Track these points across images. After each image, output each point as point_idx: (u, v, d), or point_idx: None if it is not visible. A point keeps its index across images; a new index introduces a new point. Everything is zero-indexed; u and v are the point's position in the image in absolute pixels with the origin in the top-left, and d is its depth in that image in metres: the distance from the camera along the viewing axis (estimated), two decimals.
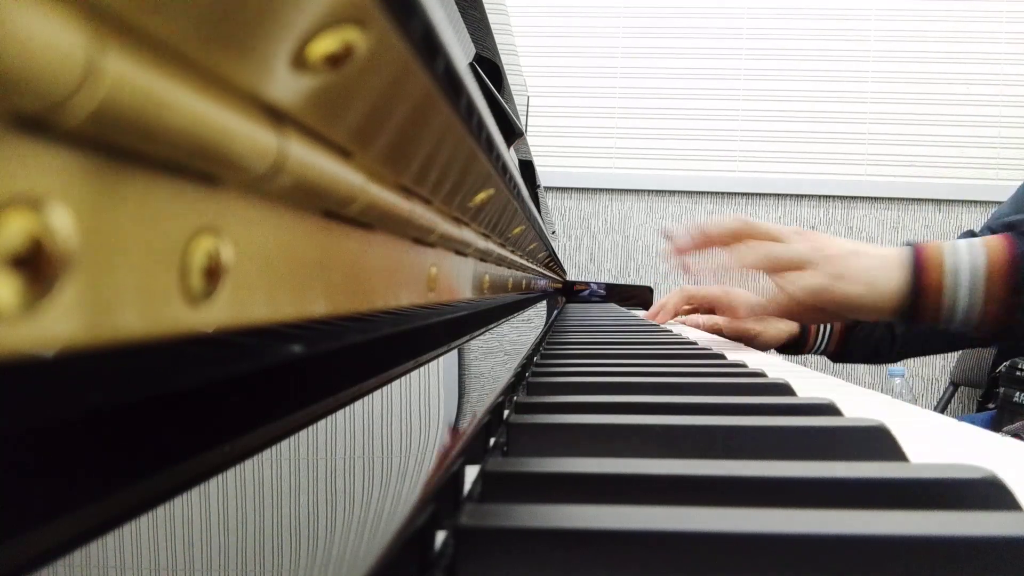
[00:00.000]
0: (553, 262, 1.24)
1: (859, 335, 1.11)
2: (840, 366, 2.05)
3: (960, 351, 1.91)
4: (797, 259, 0.75)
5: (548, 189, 2.18)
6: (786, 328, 1.10)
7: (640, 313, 1.35)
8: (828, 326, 1.12)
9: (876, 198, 2.16)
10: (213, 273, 0.13)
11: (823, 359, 1.24)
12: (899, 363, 1.61)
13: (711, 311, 1.11)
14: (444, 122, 0.22)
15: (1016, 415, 0.92)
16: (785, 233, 0.78)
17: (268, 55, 0.13)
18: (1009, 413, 0.95)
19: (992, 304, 0.70)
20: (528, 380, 0.42)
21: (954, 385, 2.00)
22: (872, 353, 1.14)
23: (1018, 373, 0.96)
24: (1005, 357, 1.01)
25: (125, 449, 0.12)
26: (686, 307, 1.12)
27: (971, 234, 0.84)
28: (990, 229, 1.04)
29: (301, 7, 0.12)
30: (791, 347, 1.14)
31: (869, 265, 0.73)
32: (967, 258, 0.71)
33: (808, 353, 1.15)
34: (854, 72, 2.15)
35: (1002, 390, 0.97)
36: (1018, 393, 0.95)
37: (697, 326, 1.10)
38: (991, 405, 1.01)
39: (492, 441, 0.28)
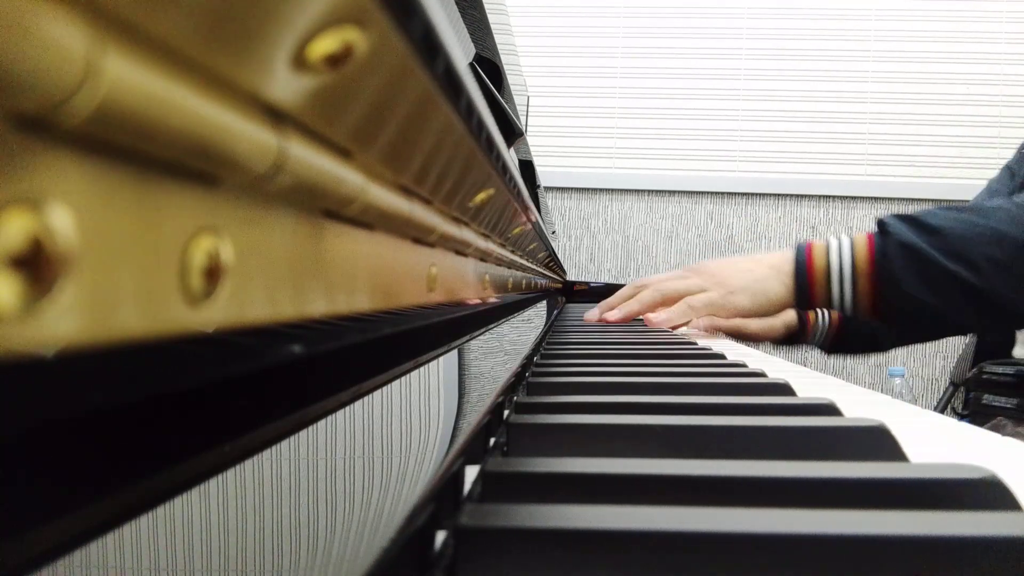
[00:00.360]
0: (553, 262, 1.24)
1: (854, 327, 1.12)
2: (840, 366, 2.05)
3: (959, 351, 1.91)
4: (692, 289, 0.90)
5: (548, 189, 2.18)
6: (779, 324, 1.12)
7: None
8: (826, 319, 1.13)
9: (876, 198, 2.16)
10: (213, 273, 0.14)
11: (823, 359, 1.24)
12: (899, 363, 1.62)
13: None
14: (444, 122, 0.22)
15: (988, 417, 0.93)
16: (677, 274, 0.95)
17: (268, 55, 0.13)
18: (982, 417, 0.95)
19: (863, 298, 0.85)
20: (528, 380, 0.42)
21: (954, 385, 1.99)
22: (869, 344, 1.15)
23: (984, 376, 0.97)
24: (978, 362, 1.02)
25: (125, 449, 0.12)
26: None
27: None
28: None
29: (301, 7, 0.12)
30: (789, 340, 1.15)
31: (758, 277, 0.89)
32: (839, 258, 0.86)
33: (807, 344, 1.16)
34: (854, 72, 2.14)
35: (972, 395, 0.98)
36: (986, 396, 0.96)
37: (696, 328, 1.11)
38: (964, 411, 1.02)
39: (492, 441, 0.28)
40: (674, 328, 0.93)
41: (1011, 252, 0.79)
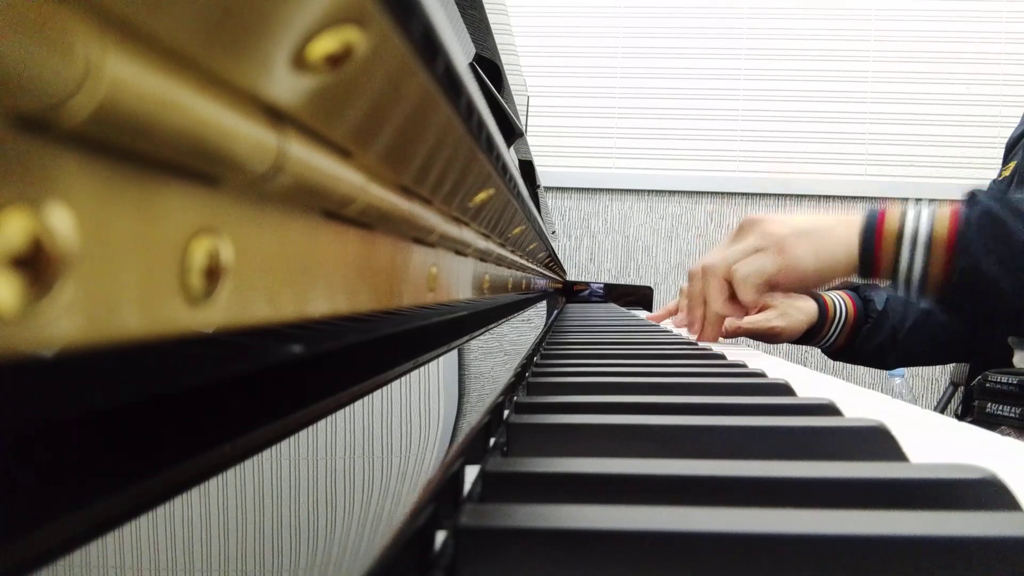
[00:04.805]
0: (553, 262, 1.24)
1: (864, 335, 1.12)
2: (840, 366, 2.05)
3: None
4: (750, 251, 0.80)
5: (548, 189, 2.18)
6: (805, 319, 1.09)
7: (641, 314, 1.35)
8: (841, 321, 1.12)
9: (876, 198, 2.16)
10: (213, 273, 0.13)
11: (823, 359, 1.24)
12: None
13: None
14: (444, 122, 0.22)
15: (992, 426, 0.93)
16: (729, 238, 0.84)
17: (268, 55, 0.13)
18: (986, 425, 0.96)
19: (934, 268, 0.76)
20: (528, 380, 0.42)
21: (954, 385, 1.99)
22: (873, 356, 1.15)
23: (988, 385, 0.96)
24: (978, 371, 1.01)
25: (125, 449, 0.12)
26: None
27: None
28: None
29: (301, 7, 0.12)
30: (804, 337, 1.14)
31: (822, 232, 0.79)
32: (915, 223, 0.77)
33: (817, 344, 1.15)
34: (854, 72, 2.14)
35: (976, 403, 0.98)
36: (990, 404, 0.96)
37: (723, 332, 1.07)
38: (968, 419, 1.01)
39: (492, 441, 0.28)
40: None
41: None
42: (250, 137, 0.13)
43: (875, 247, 0.78)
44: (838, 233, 0.79)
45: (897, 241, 0.77)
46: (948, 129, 2.12)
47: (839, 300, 1.13)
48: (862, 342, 1.13)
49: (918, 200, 0.81)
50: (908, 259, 0.77)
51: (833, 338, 1.13)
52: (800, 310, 1.08)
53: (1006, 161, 1.16)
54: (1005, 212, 0.74)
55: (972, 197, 0.78)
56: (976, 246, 0.74)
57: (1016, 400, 0.93)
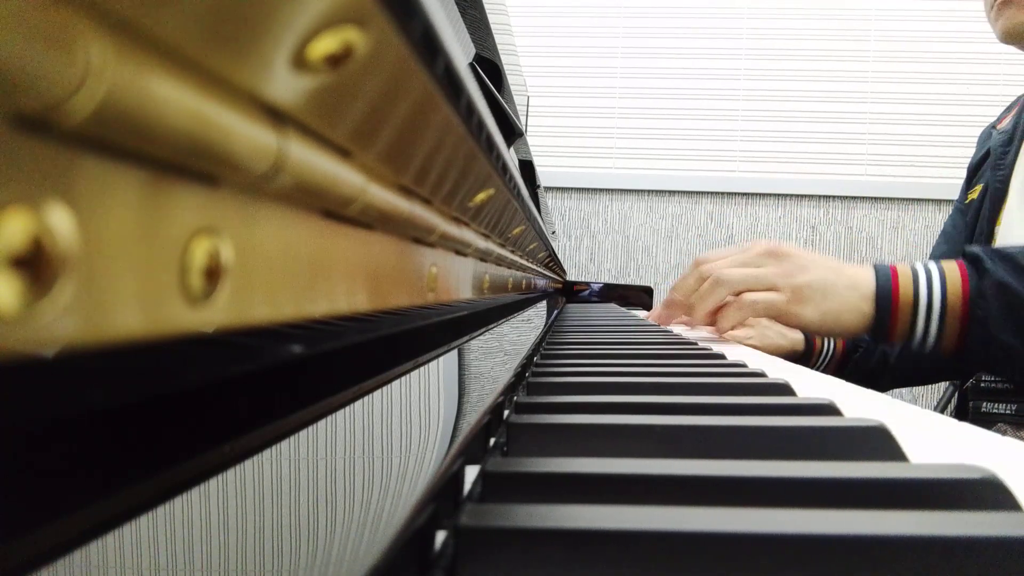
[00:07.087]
0: (553, 262, 1.24)
1: (855, 362, 1.11)
2: None
3: None
4: (760, 281, 0.83)
5: (548, 189, 2.18)
6: (787, 344, 1.05)
7: (641, 313, 1.34)
8: (831, 350, 1.11)
9: (876, 198, 2.16)
10: (213, 273, 0.13)
11: None
12: None
13: None
14: (444, 122, 0.22)
15: (988, 424, 0.93)
16: (755, 254, 0.85)
17: (268, 55, 0.13)
18: (982, 424, 0.96)
19: (949, 337, 0.78)
20: (528, 380, 0.42)
21: (955, 386, 1.99)
22: (866, 381, 1.14)
23: (982, 385, 0.98)
24: (970, 375, 1.03)
25: (125, 449, 0.12)
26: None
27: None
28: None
29: (301, 7, 0.12)
30: (792, 361, 1.12)
31: (833, 295, 0.81)
32: (928, 291, 0.78)
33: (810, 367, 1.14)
34: (854, 72, 2.14)
35: (971, 403, 0.99)
36: (985, 403, 0.97)
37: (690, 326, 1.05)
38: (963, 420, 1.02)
39: (492, 441, 0.28)
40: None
41: None
42: (250, 137, 0.13)
43: (890, 317, 0.79)
44: (848, 298, 0.80)
45: (912, 311, 0.78)
46: (948, 129, 2.12)
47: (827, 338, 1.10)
48: (853, 369, 1.11)
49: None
50: (923, 328, 0.78)
51: (820, 369, 1.10)
52: (782, 335, 1.04)
53: (971, 184, 1.12)
54: (1018, 280, 0.74)
55: (979, 262, 0.77)
56: (992, 319, 0.75)
57: (1012, 397, 0.94)
